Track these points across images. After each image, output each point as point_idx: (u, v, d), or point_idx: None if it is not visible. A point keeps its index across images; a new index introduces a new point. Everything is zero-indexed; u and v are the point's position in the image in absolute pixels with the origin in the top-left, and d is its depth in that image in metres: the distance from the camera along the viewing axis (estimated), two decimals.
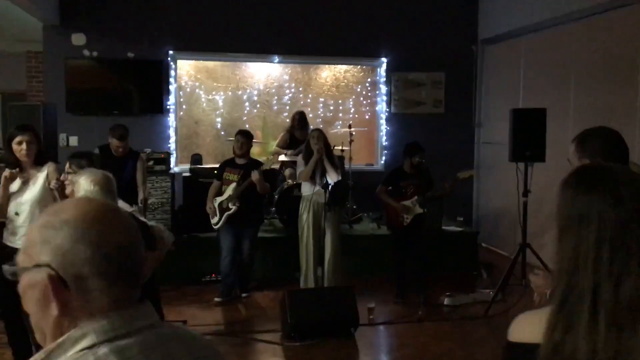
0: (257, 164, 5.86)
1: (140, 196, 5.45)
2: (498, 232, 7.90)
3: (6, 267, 1.00)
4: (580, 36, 6.36)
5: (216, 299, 5.73)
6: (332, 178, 5.65)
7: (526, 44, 7.39)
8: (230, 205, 5.71)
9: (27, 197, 3.83)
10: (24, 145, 3.83)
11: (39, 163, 3.92)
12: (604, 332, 1.03)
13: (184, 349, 1.04)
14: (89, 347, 0.93)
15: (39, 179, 3.87)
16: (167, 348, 1.00)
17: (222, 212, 5.76)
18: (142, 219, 3.47)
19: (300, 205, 5.85)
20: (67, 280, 0.95)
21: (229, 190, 5.75)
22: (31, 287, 0.97)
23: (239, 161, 5.87)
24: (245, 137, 5.88)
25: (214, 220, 5.82)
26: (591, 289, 1.05)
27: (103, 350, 0.93)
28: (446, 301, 5.77)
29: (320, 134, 5.79)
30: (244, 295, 5.90)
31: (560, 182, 1.17)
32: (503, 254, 7.45)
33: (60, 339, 0.95)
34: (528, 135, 5.41)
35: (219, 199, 5.80)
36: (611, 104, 5.83)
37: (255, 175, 5.56)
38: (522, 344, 1.14)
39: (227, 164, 5.95)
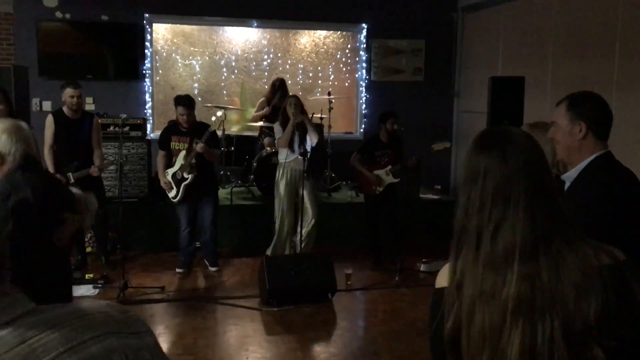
0: (202, 128, 5.49)
1: (97, 161, 5.36)
2: None
3: None
4: (559, 5, 6.36)
5: (178, 270, 5.67)
6: (312, 138, 5.63)
7: (506, 12, 7.36)
8: (185, 175, 5.45)
9: None
10: None
11: None
12: (482, 271, 1.19)
13: (54, 339, 0.86)
14: None
15: None
16: (28, 344, 0.83)
17: (177, 183, 5.51)
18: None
19: (277, 172, 5.83)
20: None
21: (180, 160, 5.47)
22: None
23: (184, 127, 5.52)
24: (187, 109, 5.43)
25: (172, 194, 5.56)
26: (475, 234, 1.21)
27: None
28: (422, 267, 5.86)
29: (297, 100, 5.75)
30: (213, 269, 5.77)
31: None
32: None
33: None
34: (506, 104, 5.42)
35: (170, 171, 5.54)
36: (588, 73, 5.86)
37: (200, 147, 5.29)
38: (442, 289, 1.29)
39: (172, 132, 5.56)
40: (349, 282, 5.36)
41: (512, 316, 1.16)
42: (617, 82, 5.53)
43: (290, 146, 5.69)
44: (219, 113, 5.74)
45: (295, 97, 5.85)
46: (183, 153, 5.47)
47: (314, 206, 5.73)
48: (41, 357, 0.82)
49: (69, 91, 5.25)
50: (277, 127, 5.88)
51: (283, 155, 5.77)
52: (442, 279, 1.31)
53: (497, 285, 1.18)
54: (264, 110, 7.20)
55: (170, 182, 5.54)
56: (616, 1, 5.56)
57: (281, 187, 5.76)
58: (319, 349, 4.22)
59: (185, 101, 5.42)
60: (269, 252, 5.80)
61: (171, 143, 5.54)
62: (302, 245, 5.58)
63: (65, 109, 5.36)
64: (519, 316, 1.15)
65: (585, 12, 6.00)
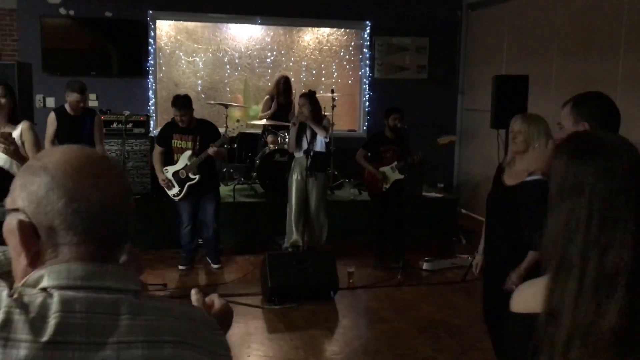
0: (209, 128, 5.47)
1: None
2: (478, 198, 7.96)
3: None
4: (564, 2, 6.33)
5: (180, 267, 5.66)
6: (320, 135, 5.67)
7: (510, 10, 7.33)
8: (191, 176, 5.39)
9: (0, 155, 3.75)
10: None
11: (13, 121, 3.83)
12: (588, 299, 1.06)
13: (139, 326, 0.89)
14: (44, 289, 0.87)
15: (13, 136, 3.78)
16: (115, 318, 0.87)
17: (181, 182, 5.44)
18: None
19: (293, 166, 5.89)
20: (40, 230, 0.89)
21: (184, 159, 5.40)
22: (10, 230, 0.92)
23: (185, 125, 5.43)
24: (183, 109, 5.29)
25: (173, 192, 5.50)
26: (580, 258, 1.08)
27: (53, 295, 0.86)
28: (425, 266, 5.84)
29: (306, 99, 5.73)
30: (216, 266, 5.74)
31: (555, 148, 1.18)
32: (482, 220, 7.52)
33: (23, 280, 0.90)
34: (510, 102, 5.40)
35: (171, 168, 5.46)
36: (593, 71, 5.84)
37: (213, 151, 5.25)
38: (527, 314, 1.17)
39: (173, 130, 5.45)
40: (351, 280, 5.36)
41: (609, 351, 1.05)
42: (622, 79, 5.50)
43: (299, 144, 5.71)
44: (237, 122, 5.66)
45: (303, 96, 5.81)
46: (188, 153, 5.40)
47: (317, 200, 5.76)
48: (121, 335, 0.87)
49: (75, 96, 5.23)
50: (291, 126, 5.84)
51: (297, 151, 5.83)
52: (525, 303, 1.20)
53: (597, 317, 1.06)
54: (271, 109, 7.17)
55: (170, 180, 5.49)
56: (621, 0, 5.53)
57: (293, 182, 5.81)
58: (321, 347, 4.21)
59: (179, 103, 5.31)
60: (285, 243, 5.88)
61: (173, 141, 5.49)
62: (307, 238, 5.67)
63: (67, 106, 5.37)
64: (617, 351, 1.05)
65: (590, 9, 5.97)
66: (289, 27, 8.18)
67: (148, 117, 6.81)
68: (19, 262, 0.92)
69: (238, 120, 5.64)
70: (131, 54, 7.46)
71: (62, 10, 7.26)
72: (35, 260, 0.90)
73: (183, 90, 7.90)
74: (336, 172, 7.33)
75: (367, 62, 8.16)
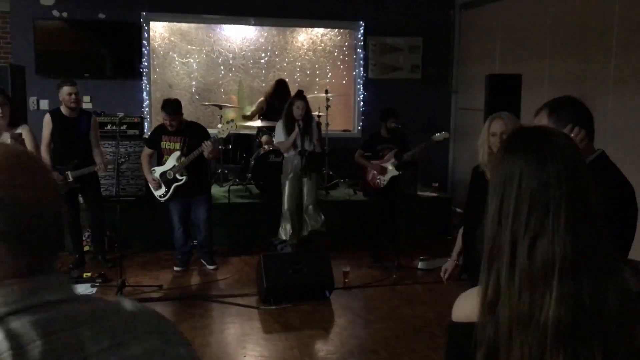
0: (197, 129, 5.48)
1: (98, 159, 5.38)
2: None
3: None
4: (556, 2, 6.36)
5: (176, 269, 5.65)
6: (313, 141, 5.80)
7: (503, 10, 7.36)
8: (178, 177, 5.38)
9: None
10: None
11: (12, 125, 3.84)
12: (518, 289, 1.05)
13: (100, 332, 0.81)
14: None
15: (8, 140, 3.79)
16: (74, 333, 0.78)
17: (168, 183, 5.44)
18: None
19: (284, 165, 5.92)
20: None
21: (172, 160, 5.40)
22: None
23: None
24: (173, 114, 5.29)
25: (159, 192, 5.49)
26: (509, 245, 1.07)
27: None
28: (420, 265, 5.86)
29: (303, 101, 5.76)
30: (211, 267, 5.74)
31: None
32: None
33: None
34: (503, 101, 5.42)
35: (158, 169, 5.47)
36: (585, 70, 5.87)
37: (208, 149, 5.22)
38: (462, 323, 1.15)
39: (162, 132, 5.46)
40: (346, 280, 5.37)
41: (552, 345, 1.03)
42: (614, 79, 5.53)
43: (294, 145, 5.74)
44: (227, 123, 5.63)
45: (302, 99, 5.81)
46: (177, 154, 5.40)
47: (310, 200, 5.84)
48: (87, 350, 0.78)
49: (66, 89, 5.25)
50: (279, 126, 5.88)
51: (289, 152, 5.83)
52: (462, 311, 1.17)
53: (534, 308, 1.05)
54: (256, 108, 7.20)
55: (158, 180, 5.48)
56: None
57: (286, 181, 5.85)
58: (316, 347, 4.22)
59: (169, 108, 5.30)
60: (284, 237, 5.91)
61: (162, 142, 5.48)
62: (306, 230, 5.84)
63: (62, 108, 5.36)
64: (560, 345, 1.03)
65: (582, 9, 6.00)
66: (282, 28, 8.19)
67: (142, 119, 6.81)
68: None
69: (228, 122, 5.62)
70: (125, 56, 7.45)
71: (55, 12, 7.25)
72: None
73: (177, 92, 7.93)
74: (331, 172, 7.34)
75: (361, 62, 8.18)
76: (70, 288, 0.84)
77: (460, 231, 3.35)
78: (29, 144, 3.86)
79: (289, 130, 5.76)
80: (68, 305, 0.80)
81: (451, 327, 1.18)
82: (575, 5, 6.10)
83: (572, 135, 2.11)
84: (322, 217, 5.95)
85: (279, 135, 5.85)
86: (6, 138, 3.79)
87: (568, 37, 6.18)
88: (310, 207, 5.89)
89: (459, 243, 3.34)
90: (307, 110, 5.80)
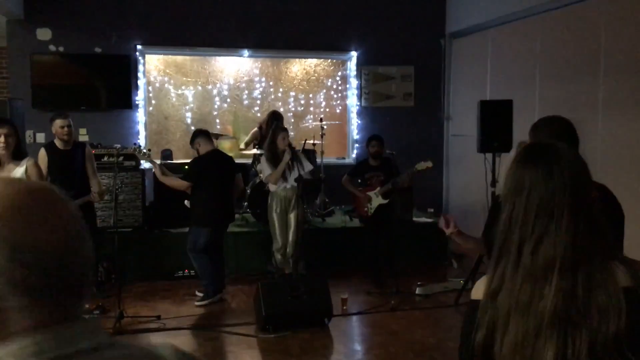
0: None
1: (95, 188, 5.40)
2: (468, 221, 8.01)
3: None
4: (545, 29, 6.51)
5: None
6: (307, 167, 5.78)
7: (492, 37, 7.52)
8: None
9: None
10: (2, 139, 3.77)
11: (17, 157, 3.87)
12: (520, 282, 1.24)
13: None
14: None
15: (17, 173, 3.82)
16: None
17: None
18: None
19: (270, 200, 5.86)
20: None
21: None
22: None
23: None
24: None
25: None
26: (517, 246, 1.26)
27: None
28: (418, 290, 5.86)
29: (287, 132, 5.81)
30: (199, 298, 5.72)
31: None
32: None
33: None
34: (495, 127, 5.52)
35: None
36: (574, 95, 5.99)
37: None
38: (477, 300, 1.34)
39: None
40: (344, 307, 5.37)
41: (547, 328, 1.21)
42: (603, 102, 5.65)
43: (283, 177, 5.73)
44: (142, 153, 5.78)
45: (285, 130, 5.86)
46: None
47: (298, 227, 5.80)
48: None
49: (58, 122, 5.26)
50: (264, 161, 5.81)
51: (274, 185, 5.80)
52: (478, 291, 1.35)
53: (534, 297, 1.22)
54: (250, 139, 7.28)
55: None
56: (599, 25, 5.71)
57: (274, 214, 5.80)
58: None
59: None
60: (275, 260, 5.89)
61: None
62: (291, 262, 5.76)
63: (56, 141, 5.38)
64: (554, 329, 1.21)
65: (569, 35, 6.15)
66: (276, 59, 8.32)
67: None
68: None
69: (144, 152, 5.78)
70: (120, 88, 7.54)
71: (51, 47, 7.35)
72: None
73: (173, 123, 8.03)
74: (327, 200, 7.38)
75: (355, 90, 8.30)
76: (104, 333, 0.79)
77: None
78: (34, 177, 3.88)
79: (274, 161, 5.70)
80: (101, 354, 0.75)
81: (470, 303, 1.38)
82: (562, 31, 6.26)
83: None
84: (302, 262, 5.94)
85: (266, 169, 5.76)
86: (10, 170, 3.81)
87: (557, 62, 6.32)
88: (292, 247, 5.80)
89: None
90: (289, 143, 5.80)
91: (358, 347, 4.82)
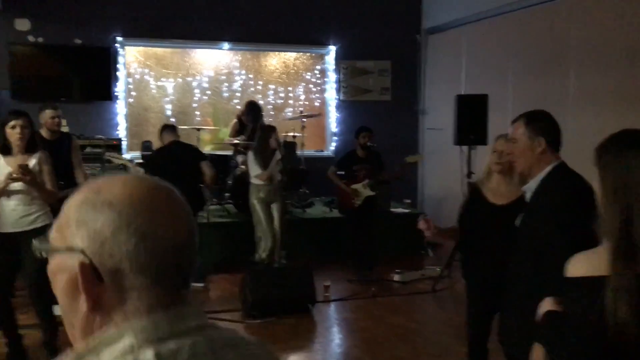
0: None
1: (80, 180, 5.43)
2: (443, 212, 8.27)
3: (36, 243, 0.86)
4: (518, 26, 6.77)
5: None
6: (277, 156, 5.89)
7: (467, 34, 7.76)
8: None
9: (18, 183, 3.80)
10: (17, 130, 3.80)
11: (30, 150, 3.91)
12: (622, 265, 1.39)
13: (244, 357, 0.86)
14: (129, 350, 0.77)
15: (30, 164, 3.86)
16: (220, 356, 0.82)
17: None
18: None
19: (252, 190, 5.93)
20: (103, 273, 0.79)
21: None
22: (61, 271, 0.82)
23: None
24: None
25: None
26: (618, 228, 1.42)
27: (146, 353, 0.76)
28: (396, 277, 6.08)
29: (277, 132, 5.92)
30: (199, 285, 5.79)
31: (599, 147, 1.56)
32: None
33: (92, 340, 0.79)
34: (471, 120, 5.74)
35: None
36: (546, 90, 6.25)
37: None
38: (581, 277, 1.47)
39: None
40: (326, 294, 5.54)
41: None
42: (573, 98, 5.93)
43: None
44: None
45: (275, 129, 5.97)
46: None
47: (280, 219, 5.94)
48: None
49: (49, 112, 5.28)
50: (251, 155, 5.86)
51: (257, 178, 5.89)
52: (579, 268, 1.50)
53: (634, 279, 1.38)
54: (241, 136, 7.33)
55: None
56: (569, 23, 5.98)
57: (257, 205, 5.88)
58: (303, 357, 4.37)
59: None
60: (260, 256, 5.88)
61: None
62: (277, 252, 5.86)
63: (43, 131, 5.40)
64: None
65: (541, 32, 6.41)
66: (256, 52, 8.42)
67: (120, 141, 6.90)
68: (77, 307, 0.81)
69: None
70: (100, 80, 7.54)
71: (30, 38, 7.31)
72: (96, 305, 0.80)
73: (153, 115, 8.06)
74: (307, 191, 7.53)
75: (333, 84, 8.46)
76: (205, 315, 0.87)
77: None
78: (46, 169, 3.93)
79: (265, 161, 5.78)
80: (207, 332, 0.84)
81: (569, 280, 1.50)
82: (535, 29, 6.52)
83: (537, 146, 2.42)
84: (283, 251, 6.07)
85: (256, 169, 5.80)
86: (24, 160, 3.85)
87: (530, 59, 6.58)
88: (278, 239, 5.90)
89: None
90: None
91: (343, 331, 5.00)
